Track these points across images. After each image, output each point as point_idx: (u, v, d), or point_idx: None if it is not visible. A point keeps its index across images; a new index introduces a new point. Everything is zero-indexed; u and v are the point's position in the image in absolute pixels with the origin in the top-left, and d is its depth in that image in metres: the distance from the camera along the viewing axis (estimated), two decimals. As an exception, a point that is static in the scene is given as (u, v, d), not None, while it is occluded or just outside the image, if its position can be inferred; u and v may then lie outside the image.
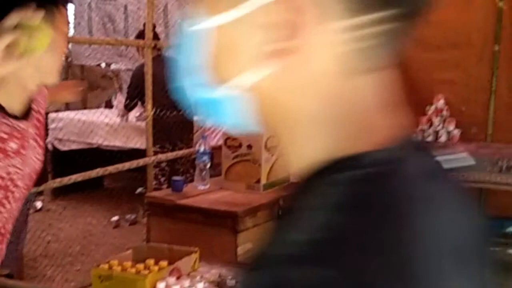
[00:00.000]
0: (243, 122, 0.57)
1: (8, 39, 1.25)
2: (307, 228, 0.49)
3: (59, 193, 5.88)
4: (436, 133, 4.74)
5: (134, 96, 5.17)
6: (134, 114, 5.96)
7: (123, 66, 6.83)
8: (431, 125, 4.77)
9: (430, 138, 4.73)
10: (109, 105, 7.11)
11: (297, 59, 0.52)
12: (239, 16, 0.52)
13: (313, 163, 0.54)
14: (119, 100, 6.74)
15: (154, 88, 5.06)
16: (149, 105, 4.17)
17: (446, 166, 0.61)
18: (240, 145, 3.54)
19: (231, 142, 3.57)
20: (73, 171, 3.81)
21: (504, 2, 4.58)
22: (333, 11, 0.52)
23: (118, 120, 5.91)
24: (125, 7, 6.63)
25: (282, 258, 0.48)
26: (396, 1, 0.54)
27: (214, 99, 0.56)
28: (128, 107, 5.44)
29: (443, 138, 4.70)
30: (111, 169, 3.99)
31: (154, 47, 4.37)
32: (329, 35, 0.52)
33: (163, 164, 5.05)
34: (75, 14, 7.07)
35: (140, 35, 5.08)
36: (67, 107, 7.06)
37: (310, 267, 0.46)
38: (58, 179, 3.75)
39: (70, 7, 7.10)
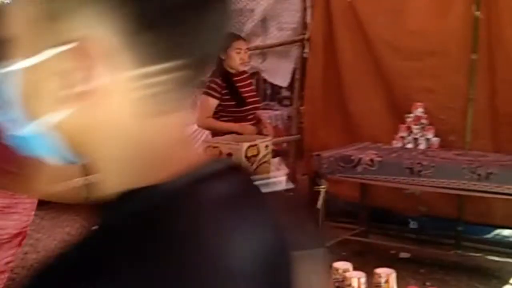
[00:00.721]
0: (58, 155, 0.64)
1: None
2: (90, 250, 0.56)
3: (38, 203, 5.79)
4: (416, 140, 4.78)
5: None
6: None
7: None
8: (410, 132, 4.81)
9: (409, 146, 4.77)
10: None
11: (93, 102, 0.58)
12: (37, 62, 0.58)
13: (113, 194, 0.60)
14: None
15: None
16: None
17: (265, 189, 0.67)
18: (220, 154, 3.52)
19: (212, 150, 3.55)
20: (51, 181, 3.75)
21: (480, 12, 4.63)
22: (122, 61, 0.58)
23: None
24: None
25: (66, 274, 0.55)
26: (181, 54, 0.60)
27: (25, 135, 0.62)
28: None
29: (422, 146, 4.74)
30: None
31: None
32: (122, 81, 0.58)
33: None
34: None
35: None
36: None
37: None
38: (36, 189, 3.70)
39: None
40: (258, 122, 4.43)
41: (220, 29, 0.64)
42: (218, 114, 4.27)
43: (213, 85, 4.27)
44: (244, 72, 4.50)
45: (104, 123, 0.60)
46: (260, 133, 4.32)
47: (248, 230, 0.62)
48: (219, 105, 4.26)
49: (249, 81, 4.54)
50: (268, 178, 0.70)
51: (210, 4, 0.62)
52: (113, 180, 0.62)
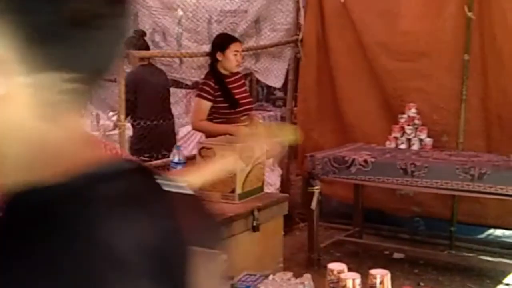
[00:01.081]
0: None
1: None
2: None
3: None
4: (409, 141, 4.79)
5: (131, 103, 5.06)
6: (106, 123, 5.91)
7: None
8: (403, 133, 4.82)
9: (403, 146, 4.78)
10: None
11: None
12: None
13: (14, 189, 0.64)
14: (90, 109, 6.67)
15: (146, 97, 5.05)
16: (122, 115, 4.14)
17: (168, 190, 0.72)
18: (214, 155, 3.52)
19: (206, 152, 3.55)
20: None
21: (473, 12, 4.65)
22: (18, 70, 0.63)
23: (89, 130, 5.85)
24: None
25: None
26: (71, 67, 0.65)
27: None
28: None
29: (415, 146, 4.76)
30: None
31: (126, 56, 4.33)
32: (18, 88, 0.64)
33: None
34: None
35: (129, 41, 5.09)
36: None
37: None
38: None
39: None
40: (251, 122, 4.43)
41: (111, 45, 0.69)
42: (211, 116, 4.27)
43: (206, 87, 4.26)
44: (236, 73, 4.50)
45: (3, 125, 0.65)
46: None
47: (138, 225, 0.65)
48: (212, 107, 4.26)
49: (241, 82, 4.54)
50: (173, 180, 0.75)
51: (99, 22, 0.66)
52: (14, 176, 0.66)
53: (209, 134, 4.12)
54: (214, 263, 0.79)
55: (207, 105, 4.25)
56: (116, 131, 5.26)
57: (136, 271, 0.64)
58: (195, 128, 4.59)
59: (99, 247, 0.61)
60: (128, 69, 5.20)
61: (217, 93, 4.25)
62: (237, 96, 4.33)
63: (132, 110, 4.99)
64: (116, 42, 0.70)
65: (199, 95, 4.30)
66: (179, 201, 0.75)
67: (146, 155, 4.93)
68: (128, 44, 5.01)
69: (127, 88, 5.05)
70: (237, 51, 4.35)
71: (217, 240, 0.81)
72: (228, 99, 4.27)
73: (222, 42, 4.37)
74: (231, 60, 4.31)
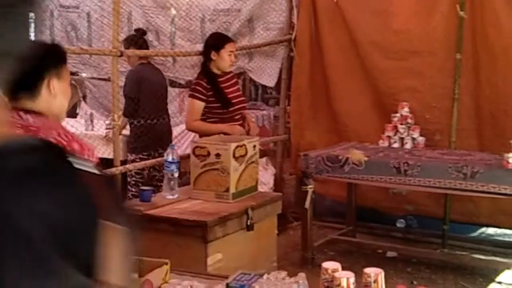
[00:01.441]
0: None
1: None
2: None
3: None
4: (402, 140, 4.81)
5: (134, 100, 5.02)
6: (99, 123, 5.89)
7: (88, 74, 6.74)
8: (396, 132, 4.83)
9: (396, 145, 4.79)
10: (72, 114, 7.00)
11: None
12: None
13: None
14: (84, 109, 6.66)
15: (148, 95, 5.04)
16: (115, 115, 4.13)
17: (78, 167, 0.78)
18: (208, 154, 3.52)
19: (200, 151, 3.55)
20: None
21: (465, 12, 4.67)
22: None
23: (83, 129, 5.83)
24: (88, 15, 6.54)
25: None
26: None
27: None
28: (129, 114, 5.09)
29: (408, 145, 4.77)
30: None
31: (121, 55, 4.32)
32: None
33: (145, 173, 4.99)
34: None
35: (126, 41, 5.09)
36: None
37: None
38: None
39: (31, 15, 6.96)
40: (243, 121, 4.43)
41: (19, 30, 0.74)
42: (204, 115, 4.27)
43: (199, 88, 4.26)
44: (229, 72, 4.50)
45: None
46: (248, 133, 4.33)
47: (40, 198, 0.70)
48: (205, 107, 4.25)
49: (234, 81, 4.53)
50: (86, 161, 0.80)
51: (4, 10, 0.71)
52: None
53: (203, 134, 4.12)
54: (121, 239, 0.83)
55: (200, 105, 4.25)
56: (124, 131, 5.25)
57: (37, 242, 0.67)
58: (189, 129, 4.58)
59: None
60: (122, 68, 5.19)
61: (209, 93, 4.25)
62: (229, 96, 4.33)
63: (134, 108, 4.99)
64: (24, 28, 0.74)
65: (192, 96, 4.29)
66: (89, 179, 0.80)
67: (144, 153, 4.92)
68: (128, 42, 5.03)
69: (130, 86, 5.04)
70: (232, 51, 4.35)
71: (125, 217, 0.85)
72: (220, 99, 4.27)
73: (217, 42, 4.36)
74: (226, 60, 4.31)
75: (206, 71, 4.34)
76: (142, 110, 5.02)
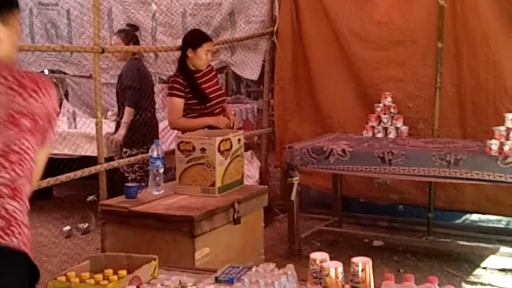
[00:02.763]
0: None
1: None
2: None
3: (7, 204, 5.71)
4: (385, 129, 4.83)
5: (136, 92, 4.93)
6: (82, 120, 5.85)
7: (69, 72, 6.70)
8: (380, 122, 4.86)
9: (380, 135, 4.82)
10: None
11: None
12: None
13: None
14: (66, 107, 6.60)
15: (146, 89, 4.96)
16: (98, 112, 4.10)
17: None
18: (193, 149, 3.52)
19: (184, 146, 3.55)
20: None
21: (445, 0, 4.69)
22: None
23: (66, 127, 5.79)
24: (68, 12, 6.49)
25: None
26: None
27: None
28: (135, 104, 4.98)
29: (392, 135, 4.80)
30: (62, 178, 3.91)
31: (102, 52, 4.28)
32: None
33: (136, 168, 4.95)
34: (16, 20, 6.90)
35: (124, 33, 5.10)
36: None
37: None
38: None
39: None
40: (223, 115, 4.41)
41: None
42: (184, 112, 4.23)
43: (176, 85, 4.22)
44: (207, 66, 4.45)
45: None
46: (232, 126, 4.32)
47: None
48: (184, 103, 4.23)
49: (212, 74, 4.46)
50: None
51: None
52: None
53: (188, 130, 4.07)
54: None
55: (180, 102, 4.22)
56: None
57: None
58: (174, 128, 4.54)
59: None
60: (103, 65, 5.15)
61: (187, 90, 4.22)
62: (207, 91, 4.30)
63: (138, 98, 4.93)
64: None
65: (170, 94, 4.25)
66: None
67: (144, 147, 4.82)
68: (128, 37, 5.01)
69: (131, 76, 4.97)
70: (209, 50, 4.32)
71: None
72: (197, 94, 4.23)
73: (195, 39, 4.31)
74: (202, 59, 4.27)
75: (182, 67, 4.31)
76: (142, 103, 4.98)
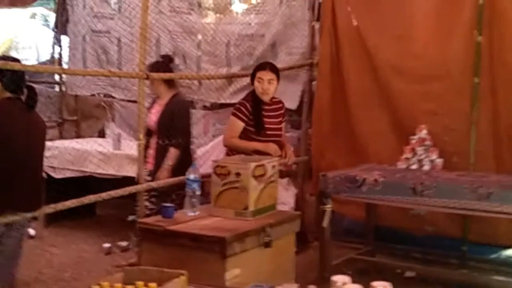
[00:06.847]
0: None
1: None
2: None
3: (52, 220, 5.96)
4: (420, 161, 4.88)
5: (182, 129, 4.95)
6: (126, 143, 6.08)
7: (117, 96, 6.97)
8: (414, 154, 4.91)
9: (414, 167, 4.87)
10: (102, 134, 7.23)
11: None
12: None
13: None
14: (112, 129, 6.87)
15: (188, 124, 5.02)
16: (141, 134, 4.31)
17: None
18: (229, 173, 3.67)
19: (220, 170, 3.70)
20: (66, 199, 3.92)
21: (482, 36, 4.76)
22: None
23: (111, 148, 6.03)
24: (119, 40, 6.81)
25: None
26: None
27: None
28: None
29: (426, 167, 4.84)
30: (103, 195, 4.10)
31: (147, 78, 4.51)
32: None
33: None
34: (70, 46, 7.25)
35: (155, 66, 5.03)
36: (61, 136, 7.18)
37: None
38: (52, 205, 3.84)
39: (65, 39, 7.25)
40: (281, 148, 4.67)
41: None
42: (239, 135, 4.52)
43: (242, 108, 4.55)
44: (277, 102, 4.75)
45: None
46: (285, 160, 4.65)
47: None
48: (243, 127, 4.51)
49: (278, 113, 4.74)
50: None
51: None
52: None
53: (238, 151, 4.35)
54: None
55: (240, 125, 4.53)
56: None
57: None
58: (226, 145, 4.76)
59: None
60: (148, 90, 5.32)
61: (250, 116, 4.49)
62: (267, 125, 4.56)
63: (182, 143, 4.92)
64: None
65: (234, 114, 4.57)
66: None
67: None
68: (155, 68, 5.10)
69: (186, 120, 5.00)
70: (261, 78, 4.54)
71: None
72: (256, 123, 4.51)
73: (254, 69, 4.64)
74: (256, 87, 4.56)
75: (253, 95, 4.61)
76: (186, 136, 5.04)
